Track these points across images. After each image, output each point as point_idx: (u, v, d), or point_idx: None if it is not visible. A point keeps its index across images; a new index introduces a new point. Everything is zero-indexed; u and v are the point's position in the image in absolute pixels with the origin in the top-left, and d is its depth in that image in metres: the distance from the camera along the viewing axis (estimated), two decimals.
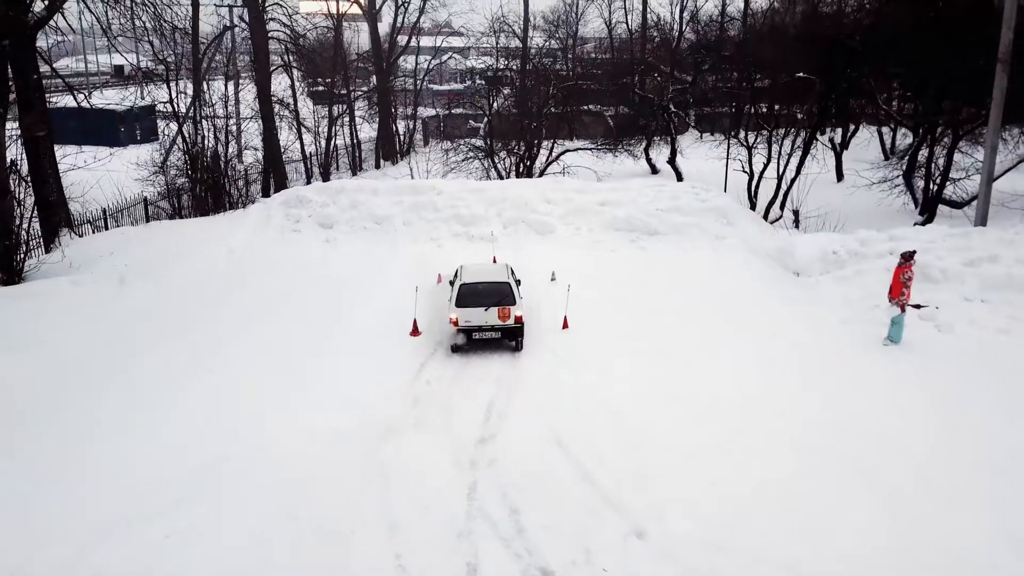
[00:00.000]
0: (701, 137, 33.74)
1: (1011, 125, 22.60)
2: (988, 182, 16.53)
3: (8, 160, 16.94)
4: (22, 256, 16.56)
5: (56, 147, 20.18)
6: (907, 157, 23.77)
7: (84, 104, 22.34)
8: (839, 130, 31.87)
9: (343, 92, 39.65)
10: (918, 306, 13.90)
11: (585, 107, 37.98)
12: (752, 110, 26.77)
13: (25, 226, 17.15)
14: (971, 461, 10.00)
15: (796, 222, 21.49)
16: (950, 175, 21.25)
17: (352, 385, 12.23)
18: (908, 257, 13.17)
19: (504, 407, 11.63)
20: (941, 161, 21.39)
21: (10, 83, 18.24)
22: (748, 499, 9.17)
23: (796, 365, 12.89)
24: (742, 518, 8.84)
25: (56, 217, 19.43)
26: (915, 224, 19.19)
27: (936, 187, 21.25)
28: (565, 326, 14.57)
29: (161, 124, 42.68)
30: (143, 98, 37.30)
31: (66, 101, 25.98)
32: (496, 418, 11.31)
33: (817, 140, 24.15)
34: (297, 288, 17.25)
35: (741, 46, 32.53)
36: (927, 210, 21.60)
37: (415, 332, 14.49)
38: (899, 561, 8.19)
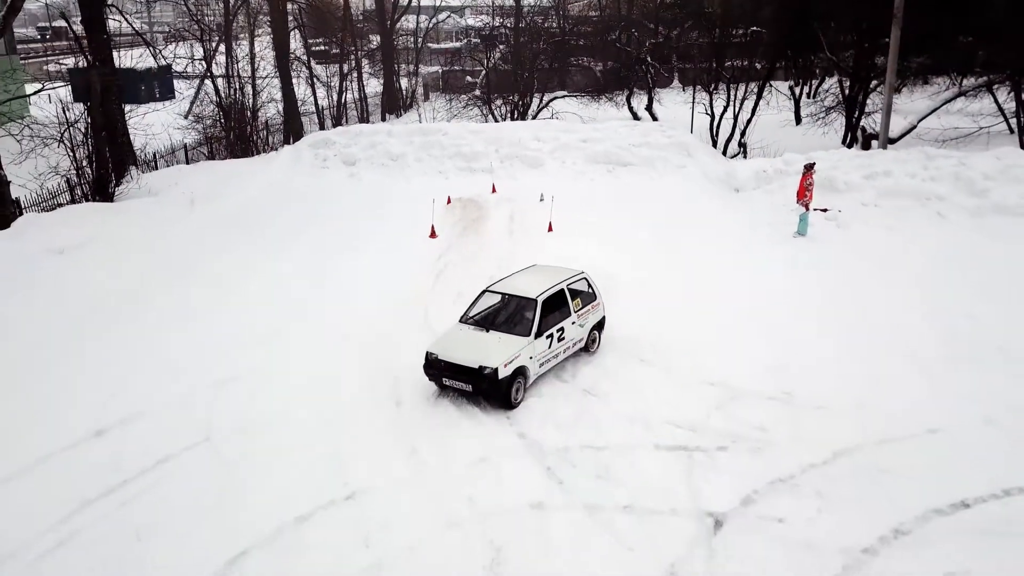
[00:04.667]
0: (684, 89, 37.11)
1: (935, 76, 26.53)
2: (887, 114, 20.51)
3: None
4: (113, 183, 20.39)
5: None
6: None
7: (161, 60, 25.94)
8: (801, 80, 35.48)
9: (349, 49, 42.93)
10: (825, 210, 17.83)
11: (574, 61, 41.10)
12: (715, 64, 30.25)
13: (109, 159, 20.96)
14: (843, 313, 13.81)
15: (744, 153, 25.33)
16: (866, 110, 25.40)
17: (387, 272, 16.20)
18: (809, 167, 17.03)
19: None
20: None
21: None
22: (696, 337, 12.94)
23: (730, 254, 16.77)
24: (693, 346, 12.67)
25: (125, 155, 23.20)
26: None
27: (856, 120, 25.33)
28: (550, 229, 18.47)
29: (178, 83, 46.36)
30: (162, 58, 40.51)
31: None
32: None
33: (771, 86, 27.81)
34: (331, 208, 21.11)
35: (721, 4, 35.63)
36: (848, 139, 25.76)
37: (432, 235, 18.41)
38: (774, 369, 12.00)
